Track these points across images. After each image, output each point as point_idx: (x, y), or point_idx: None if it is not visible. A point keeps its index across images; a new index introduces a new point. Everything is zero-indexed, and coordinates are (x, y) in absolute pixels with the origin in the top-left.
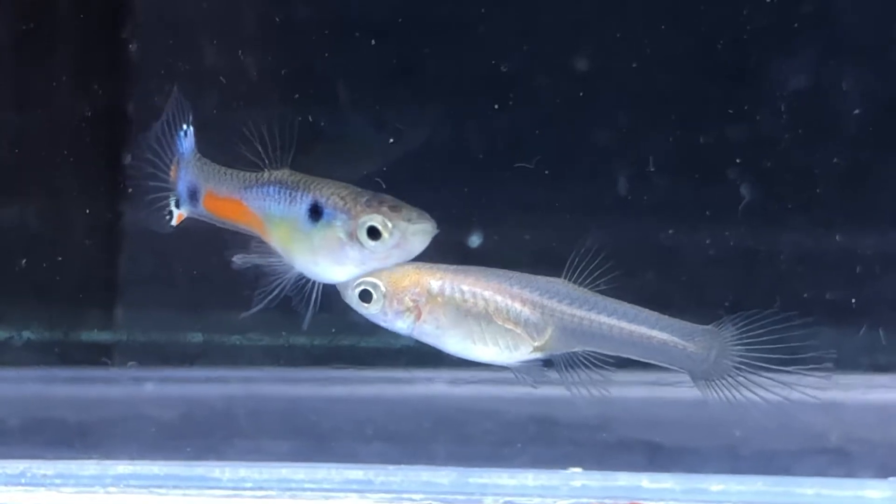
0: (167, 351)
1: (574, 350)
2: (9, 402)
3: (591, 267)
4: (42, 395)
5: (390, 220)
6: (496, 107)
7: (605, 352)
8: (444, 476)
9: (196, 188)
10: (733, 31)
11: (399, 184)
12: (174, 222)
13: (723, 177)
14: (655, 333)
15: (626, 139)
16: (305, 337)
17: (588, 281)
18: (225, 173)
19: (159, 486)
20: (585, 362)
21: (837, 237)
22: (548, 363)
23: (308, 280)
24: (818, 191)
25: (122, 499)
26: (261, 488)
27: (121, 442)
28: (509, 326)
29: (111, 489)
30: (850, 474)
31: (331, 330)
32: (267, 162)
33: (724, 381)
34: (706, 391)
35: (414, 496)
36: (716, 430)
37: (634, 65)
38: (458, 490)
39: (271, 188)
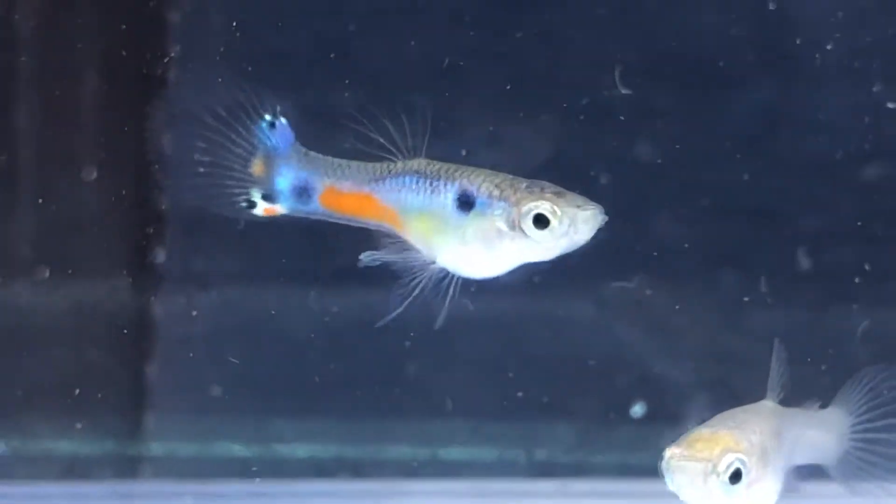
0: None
1: None
2: None
3: None
4: None
5: (558, 207)
6: None
7: None
8: None
9: (307, 184)
10: None
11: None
12: (260, 212)
13: None
14: None
15: None
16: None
17: None
18: (348, 166)
19: None
20: None
21: None
22: None
23: (446, 276)
24: None
25: None
26: None
27: None
28: None
29: None
30: None
31: None
32: (400, 152)
33: None
34: None
35: None
36: None
37: None
38: None
39: (408, 178)
